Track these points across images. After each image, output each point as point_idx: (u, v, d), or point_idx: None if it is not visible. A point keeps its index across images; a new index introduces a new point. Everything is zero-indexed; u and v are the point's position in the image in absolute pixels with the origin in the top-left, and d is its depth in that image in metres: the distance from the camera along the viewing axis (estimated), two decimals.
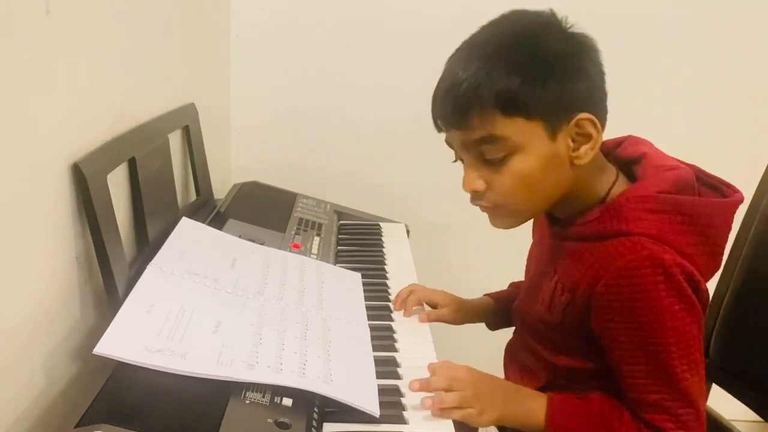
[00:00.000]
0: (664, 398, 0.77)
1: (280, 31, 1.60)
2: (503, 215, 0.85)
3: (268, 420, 0.70)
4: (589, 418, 0.82)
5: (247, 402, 0.72)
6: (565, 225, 0.85)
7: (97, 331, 0.78)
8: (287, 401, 0.74)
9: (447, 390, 0.82)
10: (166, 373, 0.71)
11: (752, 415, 1.01)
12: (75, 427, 0.63)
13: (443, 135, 0.87)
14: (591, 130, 0.78)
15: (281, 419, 0.71)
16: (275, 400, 0.73)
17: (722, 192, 0.82)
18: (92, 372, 0.85)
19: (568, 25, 0.79)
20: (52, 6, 0.74)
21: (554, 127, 0.77)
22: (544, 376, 0.91)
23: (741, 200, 0.81)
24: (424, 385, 0.83)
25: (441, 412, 0.79)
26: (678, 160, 0.84)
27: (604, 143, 0.84)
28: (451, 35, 1.56)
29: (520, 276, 1.16)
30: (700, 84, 1.61)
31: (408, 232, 1.44)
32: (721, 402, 1.04)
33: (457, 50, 0.82)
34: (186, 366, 0.73)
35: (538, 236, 0.99)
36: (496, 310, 1.11)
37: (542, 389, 0.91)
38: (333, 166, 1.72)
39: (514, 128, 0.77)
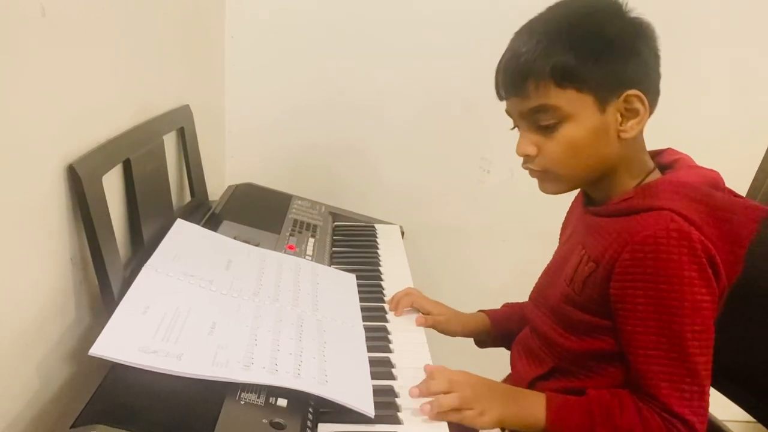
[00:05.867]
0: (672, 372, 0.78)
1: (275, 32, 1.61)
2: (550, 179, 0.88)
3: (263, 420, 0.70)
4: (588, 408, 0.83)
5: (242, 402, 0.72)
6: (599, 204, 0.89)
7: (92, 332, 0.78)
8: (282, 402, 0.74)
9: (446, 392, 0.83)
10: (161, 373, 0.72)
11: (746, 416, 1.02)
12: (70, 427, 0.63)
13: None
14: (638, 105, 0.81)
15: (276, 420, 0.71)
16: (270, 401, 0.74)
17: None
18: (87, 373, 0.86)
19: (628, 10, 0.82)
20: (47, 8, 0.75)
21: (604, 100, 0.81)
22: (551, 360, 0.92)
23: (766, 210, 0.82)
24: (423, 391, 0.84)
25: (440, 416, 0.81)
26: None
27: None
28: (446, 35, 1.59)
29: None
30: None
31: (402, 233, 1.44)
32: (714, 402, 1.05)
33: (523, 26, 0.86)
34: (181, 367, 0.73)
35: (569, 226, 1.01)
36: (491, 329, 1.12)
37: (547, 374, 0.92)
38: (328, 168, 1.72)
39: (566, 99, 0.81)
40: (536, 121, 0.84)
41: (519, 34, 0.86)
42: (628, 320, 0.80)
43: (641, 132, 0.85)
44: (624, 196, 0.84)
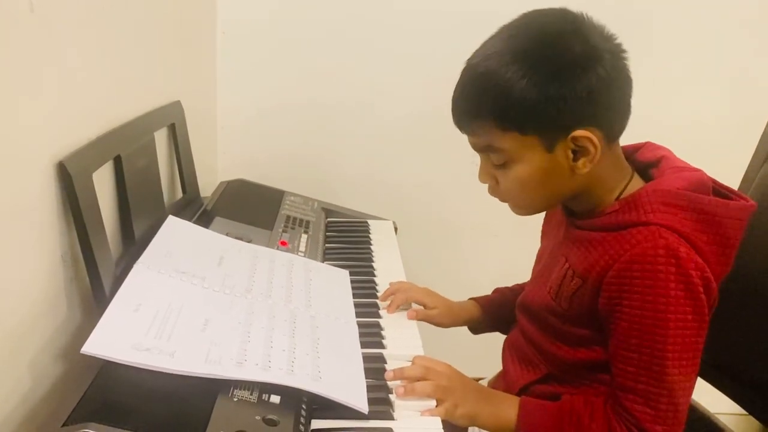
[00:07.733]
0: (648, 389, 0.78)
1: (267, 28, 1.60)
2: (513, 207, 0.89)
3: (256, 417, 0.70)
4: (559, 414, 0.84)
5: (235, 399, 0.72)
6: (582, 217, 0.87)
7: (83, 330, 0.78)
8: (275, 398, 0.74)
9: (421, 379, 0.84)
10: (153, 371, 0.71)
11: (737, 408, 1.02)
12: (62, 426, 0.63)
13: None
14: (588, 145, 0.78)
15: (269, 416, 0.71)
16: (263, 398, 0.74)
17: (732, 200, 0.81)
18: (79, 371, 0.85)
19: (587, 28, 0.78)
20: (36, 4, 0.74)
21: (550, 141, 0.79)
22: (544, 367, 0.92)
23: (754, 207, 0.80)
24: (398, 374, 0.86)
25: (410, 397, 0.82)
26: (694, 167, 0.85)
27: (622, 148, 0.86)
28: (438, 32, 1.58)
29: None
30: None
31: (396, 229, 1.44)
32: (705, 395, 1.05)
33: (471, 57, 0.83)
34: (174, 364, 0.72)
35: (550, 228, 1.00)
36: (483, 317, 1.12)
37: (541, 380, 0.93)
38: (320, 164, 1.71)
39: (510, 141, 0.80)
40: (488, 158, 0.85)
41: (467, 67, 0.83)
42: (612, 335, 0.81)
43: (617, 145, 0.83)
44: (608, 209, 0.82)
